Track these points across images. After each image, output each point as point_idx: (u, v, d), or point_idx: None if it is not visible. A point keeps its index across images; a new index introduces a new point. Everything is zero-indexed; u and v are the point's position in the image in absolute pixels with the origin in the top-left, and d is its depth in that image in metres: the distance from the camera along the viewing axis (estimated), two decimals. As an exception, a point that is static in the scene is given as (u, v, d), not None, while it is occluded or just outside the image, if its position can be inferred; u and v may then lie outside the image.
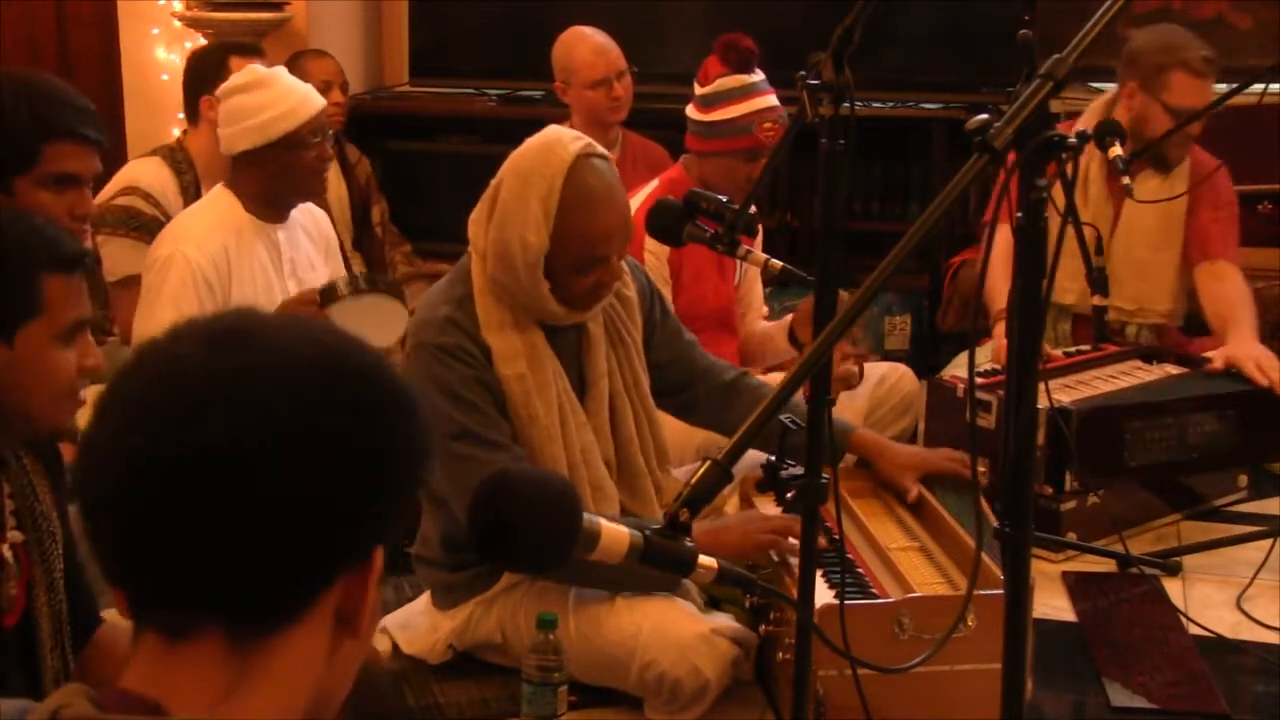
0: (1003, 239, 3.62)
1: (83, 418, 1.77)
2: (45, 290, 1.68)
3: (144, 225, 3.44)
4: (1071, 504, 3.11)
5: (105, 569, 0.98)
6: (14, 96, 2.36)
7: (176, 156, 3.63)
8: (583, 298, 2.49)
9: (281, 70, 3.09)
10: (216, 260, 2.97)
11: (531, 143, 2.48)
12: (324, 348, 0.98)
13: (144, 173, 3.55)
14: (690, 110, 3.40)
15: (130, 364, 0.99)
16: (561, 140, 2.45)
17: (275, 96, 2.99)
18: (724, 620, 2.47)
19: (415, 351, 2.46)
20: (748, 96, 3.31)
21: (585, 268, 2.45)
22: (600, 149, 2.48)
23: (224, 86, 3.06)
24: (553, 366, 2.50)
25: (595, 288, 2.49)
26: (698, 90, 3.37)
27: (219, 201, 3.08)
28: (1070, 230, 1.34)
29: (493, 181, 2.50)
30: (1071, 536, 3.11)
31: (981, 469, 2.92)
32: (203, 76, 3.63)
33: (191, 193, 3.59)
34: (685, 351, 2.79)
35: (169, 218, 3.50)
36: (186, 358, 0.95)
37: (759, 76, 3.34)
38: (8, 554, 1.74)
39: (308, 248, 3.22)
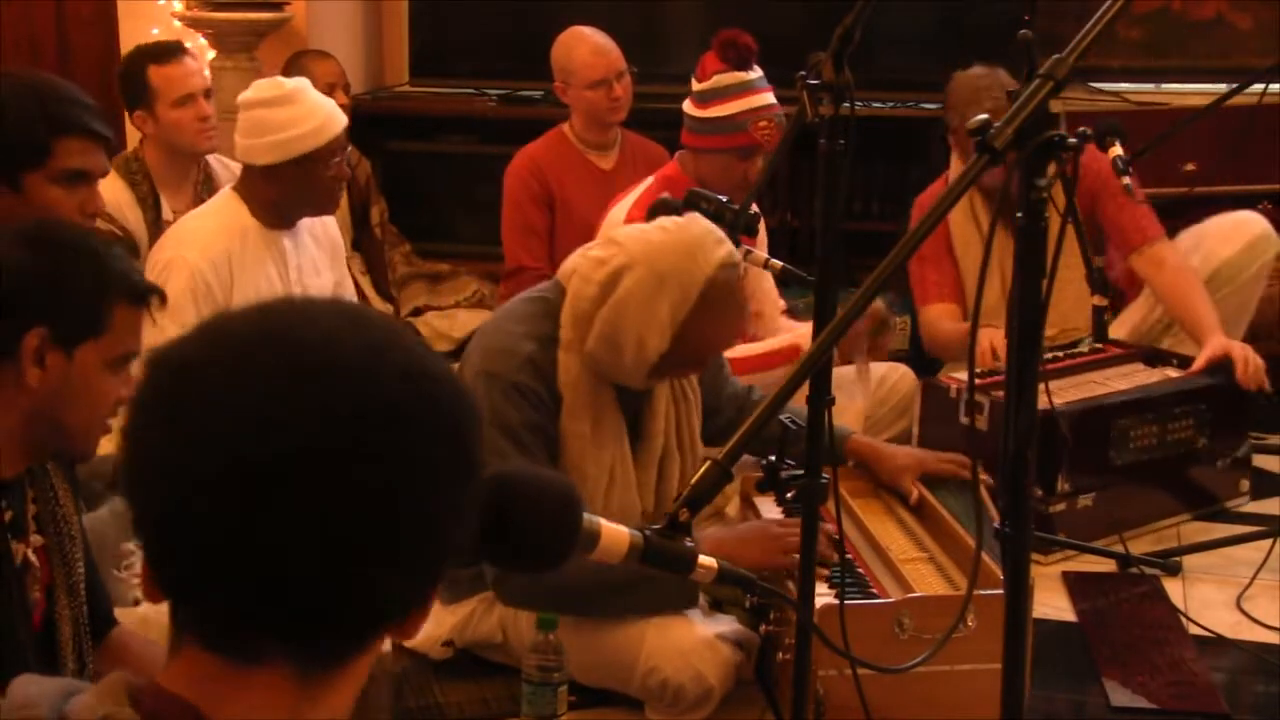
0: (936, 314, 3.75)
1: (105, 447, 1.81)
2: (114, 315, 1.73)
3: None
4: (1061, 506, 3.11)
5: (170, 584, 0.93)
6: (22, 93, 2.37)
7: (132, 167, 3.59)
8: (670, 378, 2.52)
9: (306, 84, 3.04)
10: (218, 265, 2.95)
11: (673, 237, 2.38)
12: (404, 367, 0.94)
13: None
14: (686, 105, 3.39)
15: (174, 367, 0.94)
16: (705, 246, 2.37)
17: (301, 114, 2.95)
18: (727, 625, 2.47)
19: (486, 379, 2.40)
20: (744, 94, 3.29)
21: (692, 367, 2.48)
22: (736, 255, 2.43)
23: (245, 97, 3.01)
24: (616, 426, 2.49)
25: (688, 375, 2.54)
26: (694, 86, 3.36)
27: (226, 206, 3.07)
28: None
29: (615, 254, 2.39)
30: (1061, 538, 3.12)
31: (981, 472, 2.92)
32: (130, 93, 3.60)
33: (150, 203, 3.57)
34: (722, 385, 2.82)
35: (126, 231, 3.49)
36: (252, 362, 0.91)
37: (757, 74, 3.32)
38: (32, 558, 1.75)
39: (314, 252, 3.21)
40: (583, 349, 2.42)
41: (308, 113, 2.96)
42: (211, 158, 3.79)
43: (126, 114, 3.69)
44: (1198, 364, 3.40)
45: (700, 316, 2.36)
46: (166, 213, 3.58)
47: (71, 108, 2.40)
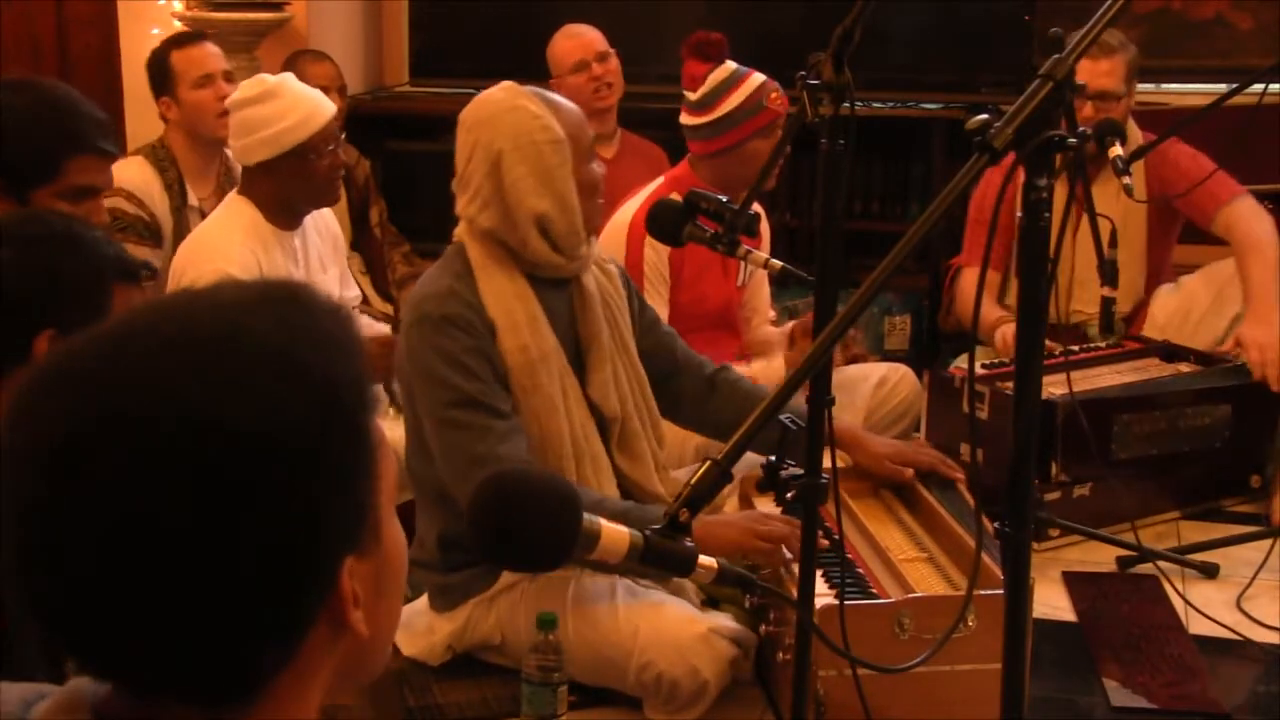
0: (970, 279, 3.79)
1: None
2: (113, 298, 1.75)
3: (129, 226, 3.50)
4: (1056, 495, 3.11)
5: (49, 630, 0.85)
6: (38, 109, 2.37)
7: (159, 154, 3.68)
8: (589, 188, 2.53)
9: (289, 78, 3.08)
10: (251, 272, 2.98)
11: (497, 112, 2.47)
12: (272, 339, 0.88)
13: (127, 173, 3.55)
14: (688, 118, 3.40)
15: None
16: (516, 102, 2.47)
17: (286, 107, 2.99)
18: (722, 620, 2.47)
19: (418, 324, 2.44)
20: (741, 81, 3.36)
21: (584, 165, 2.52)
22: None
23: (233, 98, 3.06)
24: (554, 342, 2.51)
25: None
26: (692, 96, 3.38)
27: (240, 212, 3.08)
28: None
29: (476, 160, 2.48)
30: (1053, 530, 3.12)
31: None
32: (154, 80, 3.72)
33: (176, 189, 3.64)
34: (665, 341, 2.81)
35: (153, 216, 3.56)
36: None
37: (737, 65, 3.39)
38: None
39: (318, 247, 3.26)
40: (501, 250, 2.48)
41: (292, 105, 3.00)
42: (230, 151, 3.82)
43: (155, 102, 3.77)
44: (1229, 343, 3.43)
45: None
46: (192, 199, 3.67)
47: (87, 125, 2.41)
